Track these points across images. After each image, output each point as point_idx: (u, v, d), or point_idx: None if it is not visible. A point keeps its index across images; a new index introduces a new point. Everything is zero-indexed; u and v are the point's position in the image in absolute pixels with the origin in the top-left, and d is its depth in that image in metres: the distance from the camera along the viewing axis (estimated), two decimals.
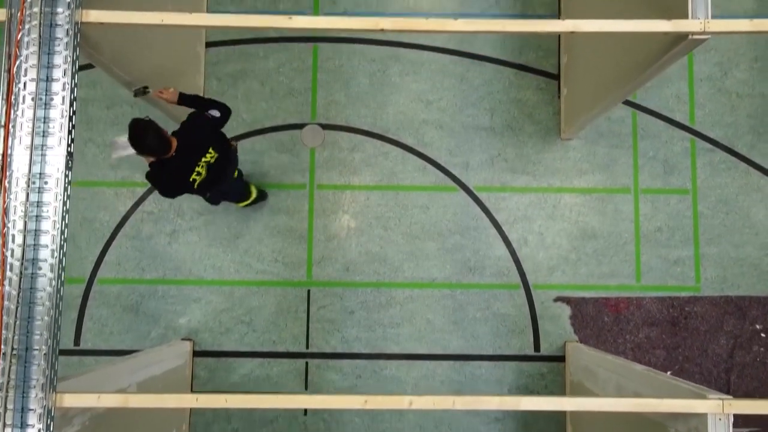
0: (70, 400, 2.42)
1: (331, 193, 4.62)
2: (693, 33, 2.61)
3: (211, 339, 4.49)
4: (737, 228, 4.55)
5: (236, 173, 3.90)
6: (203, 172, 3.37)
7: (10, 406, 2.36)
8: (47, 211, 2.37)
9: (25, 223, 2.36)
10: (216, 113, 3.37)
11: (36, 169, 2.40)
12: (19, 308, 2.35)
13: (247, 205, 4.40)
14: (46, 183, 2.40)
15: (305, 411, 4.41)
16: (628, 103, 4.65)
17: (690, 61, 4.70)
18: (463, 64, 4.72)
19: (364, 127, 4.66)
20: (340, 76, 4.70)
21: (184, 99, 3.38)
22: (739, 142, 4.62)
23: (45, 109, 2.44)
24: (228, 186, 3.89)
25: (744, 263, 4.52)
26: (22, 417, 2.37)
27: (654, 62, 2.93)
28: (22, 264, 2.35)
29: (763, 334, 4.48)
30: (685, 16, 2.62)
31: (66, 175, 2.41)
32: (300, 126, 4.67)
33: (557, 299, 4.51)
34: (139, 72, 3.42)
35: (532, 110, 4.67)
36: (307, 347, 4.47)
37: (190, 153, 3.28)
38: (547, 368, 4.46)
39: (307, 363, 4.47)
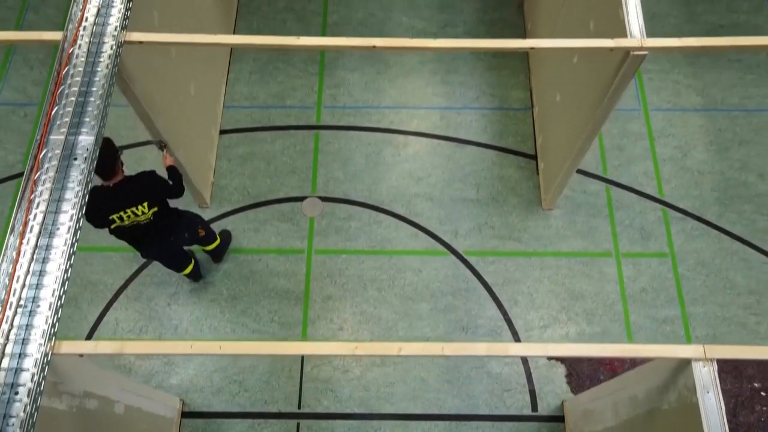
0: (68, 347, 2.48)
1: (327, 257, 4.85)
2: (632, 49, 3.14)
3: (201, 399, 4.40)
4: (719, 289, 4.72)
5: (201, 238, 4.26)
6: (126, 220, 3.56)
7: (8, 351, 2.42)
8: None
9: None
10: (171, 183, 3.69)
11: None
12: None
13: (211, 250, 4.62)
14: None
15: None
16: (601, 179, 5.11)
17: (652, 144, 5.25)
18: (450, 147, 5.26)
19: (359, 199, 5.05)
20: (338, 157, 5.21)
21: (170, 169, 3.77)
22: (708, 211, 4.99)
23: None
24: (179, 251, 4.22)
25: (731, 322, 4.61)
26: (18, 362, 2.41)
27: (608, 87, 3.43)
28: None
29: (763, 393, 4.41)
30: (625, 37, 3.18)
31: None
32: (301, 199, 5.06)
33: (551, 358, 4.52)
34: (163, 128, 3.87)
35: (514, 185, 5.11)
36: (299, 407, 4.37)
37: (124, 195, 3.48)
38: (546, 428, 4.31)
39: (298, 424, 4.33)
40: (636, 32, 3.16)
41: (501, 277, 4.77)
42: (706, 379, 2.48)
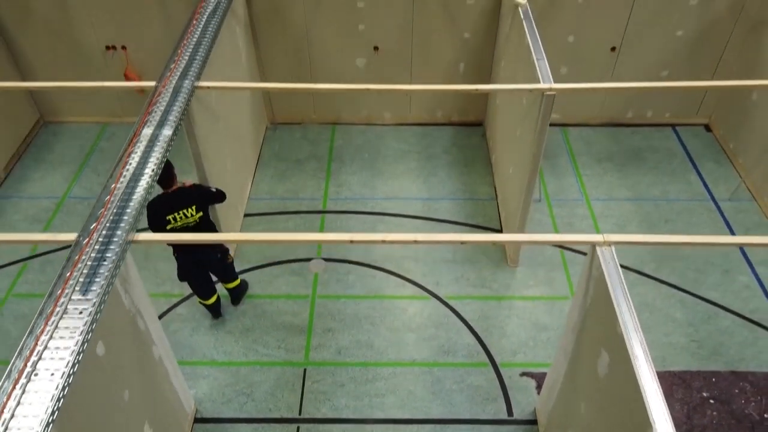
0: (142, 237, 3.45)
1: (329, 301, 5.73)
2: (545, 91, 4.60)
3: (213, 407, 4.94)
4: (662, 322, 5.53)
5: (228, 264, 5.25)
6: (180, 222, 4.62)
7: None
8: None
9: None
10: (214, 190, 4.89)
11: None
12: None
13: (232, 289, 5.48)
14: None
15: None
16: (556, 245, 6.21)
17: (595, 222, 6.46)
18: (430, 224, 6.46)
19: (357, 259, 6.09)
20: (341, 229, 6.37)
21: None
22: (646, 267, 6.00)
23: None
24: (211, 264, 5.15)
25: (676, 347, 5.34)
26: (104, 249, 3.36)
27: (536, 124, 4.81)
28: None
29: (711, 401, 4.98)
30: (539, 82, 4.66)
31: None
32: (308, 259, 6.10)
33: (523, 374, 5.15)
34: (208, 172, 5.16)
35: (484, 249, 6.19)
36: (300, 414, 4.89)
37: (178, 200, 4.59)
38: (522, 430, 4.79)
39: (298, 427, 4.81)
40: (546, 80, 4.66)
41: (476, 314, 5.60)
42: (607, 257, 3.42)
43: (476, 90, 4.89)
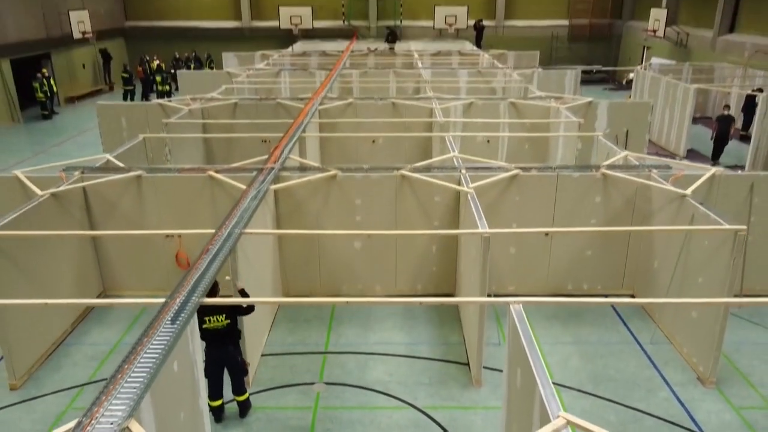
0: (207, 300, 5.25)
1: (329, 411, 7.07)
2: (483, 234, 6.74)
3: None
4: (598, 424, 6.81)
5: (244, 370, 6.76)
6: (211, 324, 6.36)
7: None
8: None
9: None
10: (245, 306, 6.65)
11: None
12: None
13: (241, 402, 6.83)
14: None
15: None
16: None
17: (544, 358, 8.01)
18: (410, 360, 8.02)
19: (353, 383, 7.54)
20: (339, 363, 7.90)
21: (241, 291, 6.77)
22: (585, 387, 7.43)
23: None
24: (231, 363, 6.67)
25: None
26: None
27: (482, 264, 6.83)
28: None
29: None
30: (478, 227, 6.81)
31: None
32: (311, 383, 7.55)
33: None
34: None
35: (455, 373, 7.67)
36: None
37: (215, 308, 6.38)
38: None
39: None
40: (483, 227, 6.84)
41: (448, 418, 6.91)
42: (518, 311, 5.17)
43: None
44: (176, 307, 5.12)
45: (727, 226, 6.99)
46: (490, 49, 27.00)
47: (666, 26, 25.61)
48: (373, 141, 13.83)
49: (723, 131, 16.07)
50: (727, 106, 17.13)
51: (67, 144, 19.63)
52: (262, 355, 8.15)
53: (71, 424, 3.78)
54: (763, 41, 20.25)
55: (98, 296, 9.60)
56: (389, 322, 8.96)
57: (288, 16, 30.90)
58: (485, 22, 30.84)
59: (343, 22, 32.50)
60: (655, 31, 25.83)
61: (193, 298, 5.32)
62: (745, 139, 17.86)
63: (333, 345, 8.39)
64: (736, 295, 9.12)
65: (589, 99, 14.64)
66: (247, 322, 7.24)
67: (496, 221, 8.61)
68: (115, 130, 14.39)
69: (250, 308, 6.70)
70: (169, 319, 4.95)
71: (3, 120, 22.22)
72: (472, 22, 30.55)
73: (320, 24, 31.78)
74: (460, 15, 30.54)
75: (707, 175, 8.77)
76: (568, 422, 3.89)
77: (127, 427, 3.79)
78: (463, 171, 9.07)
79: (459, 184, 8.83)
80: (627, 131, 14.58)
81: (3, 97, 22.22)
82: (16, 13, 23.34)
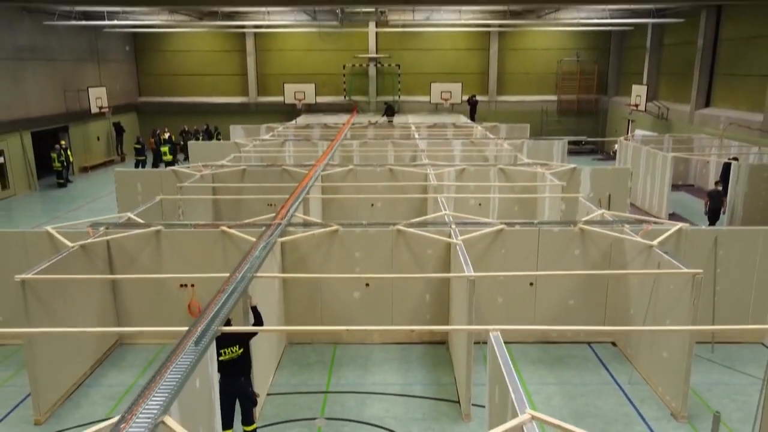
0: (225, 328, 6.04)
1: None
2: (468, 277, 7.56)
3: None
4: None
5: (254, 401, 7.41)
6: (226, 356, 7.02)
7: None
8: None
9: None
10: (253, 323, 7.44)
11: None
12: None
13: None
14: None
15: None
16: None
17: (530, 399, 8.64)
18: (404, 399, 8.64)
19: (353, 418, 8.14)
20: (340, 403, 8.52)
21: (254, 309, 7.54)
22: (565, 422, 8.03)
23: None
24: (243, 393, 7.31)
25: None
26: None
27: (468, 305, 7.62)
28: None
29: None
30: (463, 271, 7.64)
31: None
32: (314, 418, 8.15)
33: None
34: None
35: (446, 410, 8.28)
36: None
37: (228, 340, 7.02)
38: None
39: None
40: (469, 271, 7.68)
41: None
42: (496, 339, 5.93)
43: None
44: (198, 333, 5.90)
45: (686, 270, 7.83)
46: (483, 122, 28.57)
47: (648, 101, 27.27)
48: (372, 205, 14.84)
49: (715, 205, 16.33)
50: (718, 182, 17.43)
51: (81, 210, 20.63)
52: (268, 394, 8.77)
53: (116, 418, 4.50)
54: (736, 114, 21.70)
55: (114, 345, 10.28)
56: (386, 366, 9.61)
57: (292, 92, 32.76)
58: (479, 97, 32.68)
59: (344, 97, 34.38)
60: (637, 106, 27.47)
61: (213, 327, 6.10)
62: None
63: (333, 385, 9.02)
64: (707, 342, 9.90)
65: (574, 165, 15.78)
66: (255, 364, 7.93)
67: (484, 272, 9.44)
68: (131, 195, 15.41)
69: (258, 324, 7.38)
70: (193, 342, 5.72)
71: (21, 188, 23.37)
72: (466, 97, 32.36)
73: (322, 99, 33.62)
74: (454, 91, 32.40)
75: (673, 229, 9.68)
76: (533, 417, 4.60)
77: (163, 421, 4.51)
78: (453, 226, 9.99)
79: (449, 237, 9.72)
80: (609, 195, 15.60)
81: (23, 167, 23.48)
82: (40, 89, 25.00)
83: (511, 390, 5.01)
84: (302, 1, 22.57)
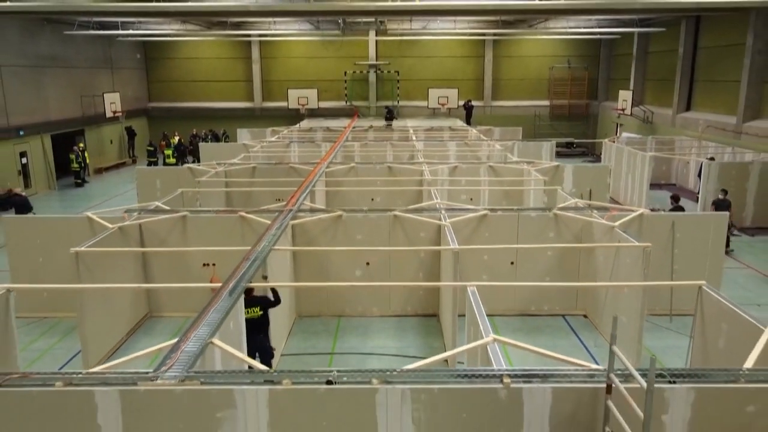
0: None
1: None
2: (453, 249, 8.94)
3: None
4: None
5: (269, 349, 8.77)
6: (249, 314, 8.33)
7: None
8: None
9: None
10: (272, 300, 8.83)
11: None
12: None
13: None
14: None
15: None
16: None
17: (507, 357, 10.00)
18: (400, 358, 9.99)
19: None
20: (343, 362, 9.87)
21: (273, 290, 8.93)
22: None
23: None
24: (262, 347, 8.66)
25: None
26: None
27: (453, 274, 8.99)
28: None
29: None
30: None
31: None
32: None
33: None
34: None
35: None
36: None
37: (251, 302, 8.42)
38: None
39: None
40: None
41: None
42: (472, 292, 7.31)
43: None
44: (231, 287, 7.28)
45: (638, 244, 9.23)
46: (478, 126, 30.02)
47: (633, 106, 28.71)
48: (372, 199, 16.23)
49: None
50: (724, 191, 16.45)
51: (98, 207, 21.89)
52: (282, 355, 10.13)
53: (175, 340, 5.88)
54: (713, 117, 23.13)
55: (144, 317, 11.66)
56: (384, 333, 10.98)
57: (296, 97, 34.24)
58: (474, 102, 34.15)
59: (346, 102, 35.86)
60: (623, 110, 28.91)
61: (241, 283, 7.48)
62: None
63: (338, 348, 10.40)
64: (666, 314, 11.28)
65: (557, 163, 17.19)
66: (272, 331, 9.31)
67: (470, 253, 10.83)
68: (151, 190, 16.82)
69: (277, 302, 8.79)
70: (228, 292, 7.10)
71: (42, 187, 24.81)
72: (462, 102, 33.83)
73: (325, 104, 35.10)
74: (451, 96, 33.87)
75: (635, 214, 11.08)
76: (495, 339, 5.97)
77: (211, 341, 5.88)
78: (443, 211, 11.39)
79: (439, 221, 11.11)
80: (590, 191, 17.01)
81: (43, 168, 24.92)
82: (59, 95, 26.48)
83: (480, 323, 6.38)
84: (306, 13, 24.04)
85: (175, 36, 31.72)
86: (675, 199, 15.27)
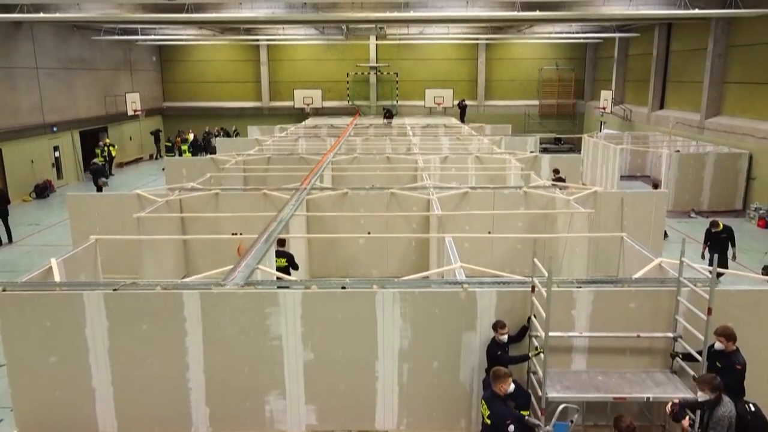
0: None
1: None
2: (437, 215, 11.29)
3: None
4: None
5: None
6: (277, 263, 10.76)
7: None
8: None
9: None
10: (296, 261, 11.19)
11: None
12: None
13: None
14: None
15: None
16: None
17: None
18: None
19: None
20: None
21: (291, 260, 11.29)
22: None
23: None
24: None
25: None
26: None
27: (438, 238, 11.34)
28: None
29: None
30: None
31: None
32: None
33: None
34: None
35: None
36: None
37: (280, 254, 10.85)
38: None
39: None
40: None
41: None
42: (448, 241, 9.67)
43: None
44: (266, 235, 9.62)
45: (584, 210, 11.58)
46: (470, 123, 32.39)
47: (614, 105, 31.09)
48: (372, 185, 18.56)
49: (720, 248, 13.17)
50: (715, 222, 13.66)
51: None
52: None
53: (229, 267, 8.23)
54: (682, 115, 25.50)
55: (183, 277, 14.01)
56: None
57: (301, 97, 36.67)
58: (468, 102, 36.54)
59: (348, 102, 38.30)
60: (605, 108, 31.29)
61: (274, 234, 9.83)
62: None
63: None
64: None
65: (536, 153, 19.53)
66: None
67: (453, 225, 13.18)
68: (178, 178, 19.16)
69: (296, 267, 11.15)
70: (264, 240, 9.45)
71: (71, 178, 27.20)
72: (456, 102, 36.23)
73: (328, 104, 37.52)
74: (446, 96, 36.28)
75: (589, 191, 13.43)
76: (461, 265, 8.31)
77: (258, 267, 8.24)
78: (432, 189, 13.75)
79: (429, 196, 13.47)
80: (564, 177, 19.35)
81: (72, 161, 27.32)
82: (85, 95, 28.91)
83: (451, 258, 8.71)
84: (312, 20, 26.43)
85: (189, 40, 34.11)
86: (655, 186, 17.84)
